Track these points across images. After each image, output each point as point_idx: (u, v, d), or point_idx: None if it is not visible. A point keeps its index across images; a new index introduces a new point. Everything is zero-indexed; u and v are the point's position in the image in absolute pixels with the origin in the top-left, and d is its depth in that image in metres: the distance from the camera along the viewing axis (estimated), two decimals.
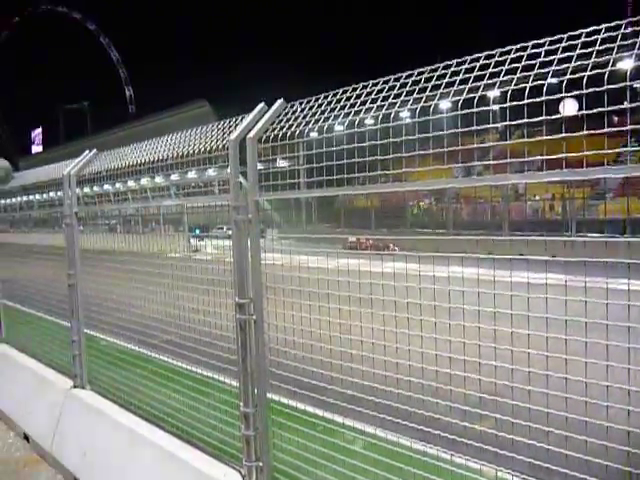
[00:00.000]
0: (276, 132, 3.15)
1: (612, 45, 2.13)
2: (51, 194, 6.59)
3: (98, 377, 5.23)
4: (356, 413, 2.98)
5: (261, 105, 3.31)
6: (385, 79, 2.77)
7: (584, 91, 2.18)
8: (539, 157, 2.43)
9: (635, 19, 2.09)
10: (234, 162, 3.23)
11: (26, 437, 5.69)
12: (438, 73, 2.56)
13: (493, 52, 2.44)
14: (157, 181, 4.84)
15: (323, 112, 3.00)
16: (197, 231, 5.28)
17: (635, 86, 2.33)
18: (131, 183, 5.09)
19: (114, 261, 5.08)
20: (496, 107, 2.54)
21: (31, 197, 7.37)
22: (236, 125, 3.40)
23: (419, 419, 2.69)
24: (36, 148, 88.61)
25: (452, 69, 2.52)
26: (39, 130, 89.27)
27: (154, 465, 3.94)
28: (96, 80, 78.07)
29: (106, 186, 5.28)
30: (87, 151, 5.52)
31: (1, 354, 7.10)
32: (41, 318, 6.64)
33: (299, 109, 3.16)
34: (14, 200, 7.83)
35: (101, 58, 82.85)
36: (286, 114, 3.21)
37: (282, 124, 3.17)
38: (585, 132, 2.25)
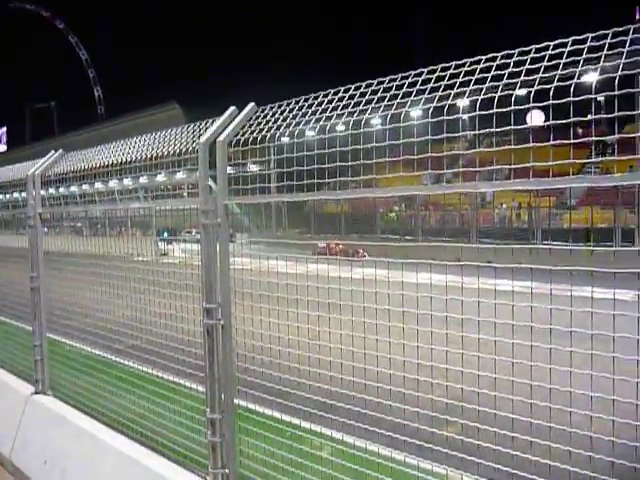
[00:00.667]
0: (247, 136, 3.13)
1: (578, 58, 2.17)
2: (15, 195, 6.44)
3: (61, 383, 5.11)
4: (326, 420, 2.97)
5: (232, 109, 3.29)
6: (356, 85, 2.78)
7: (550, 102, 2.22)
8: (507, 166, 2.47)
9: (598, 33, 2.14)
10: (204, 165, 3.20)
11: None
12: (409, 80, 2.58)
13: (462, 62, 2.47)
14: (125, 183, 4.77)
15: (294, 117, 2.99)
16: (165, 234, 5.22)
17: (599, 99, 2.39)
18: (98, 185, 5.00)
19: (79, 264, 4.99)
20: (465, 116, 2.58)
21: None
22: (206, 128, 3.37)
23: (387, 425, 2.70)
24: (1, 147, 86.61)
25: (423, 77, 2.54)
26: (4, 129, 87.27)
27: (117, 472, 3.86)
28: (64, 80, 76.71)
29: (72, 187, 5.18)
30: (53, 151, 5.41)
31: None
32: (3, 322, 6.46)
33: (270, 113, 3.15)
34: None
35: (69, 57, 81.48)
36: (257, 118, 3.19)
37: (253, 128, 3.15)
38: (551, 143, 2.30)
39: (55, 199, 5.44)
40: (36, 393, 5.21)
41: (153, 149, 3.96)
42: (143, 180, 4.59)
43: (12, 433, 5.06)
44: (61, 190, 5.34)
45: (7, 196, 6.71)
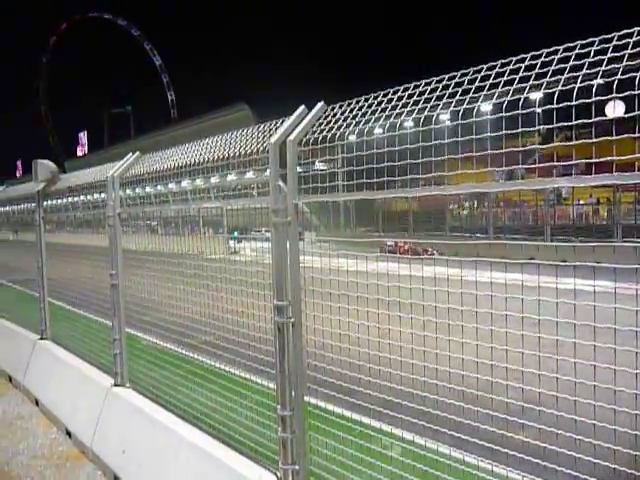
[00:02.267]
0: (316, 135, 3.14)
1: None
2: (95, 196, 6.75)
3: (138, 376, 5.32)
4: (395, 420, 2.94)
5: (302, 108, 3.31)
6: (427, 81, 2.73)
7: (635, 92, 2.10)
8: (585, 160, 2.36)
9: None
10: (274, 165, 3.24)
11: (68, 433, 5.83)
12: (481, 74, 2.51)
13: (538, 52, 2.38)
14: (197, 183, 4.90)
15: (363, 115, 2.98)
16: (236, 233, 5.32)
17: None
18: (172, 185, 5.16)
19: (154, 262, 5.16)
20: (539, 109, 2.48)
21: (76, 199, 7.56)
22: (276, 128, 3.41)
23: (459, 427, 2.64)
24: (81, 151, 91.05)
25: (495, 70, 2.47)
26: (84, 133, 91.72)
27: (191, 464, 3.98)
28: (139, 85, 79.88)
29: (148, 188, 5.38)
30: (130, 154, 5.63)
31: (46, 351, 7.30)
32: (85, 317, 6.79)
33: (339, 112, 3.15)
34: (60, 201, 8.04)
35: (144, 64, 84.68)
36: (326, 117, 3.20)
37: (322, 127, 3.16)
38: (633, 135, 2.18)
39: (132, 199, 5.66)
40: (116, 385, 5.45)
41: (224, 150, 4.05)
42: (214, 180, 4.70)
43: (93, 423, 5.31)
44: (137, 191, 5.56)
45: (87, 197, 7.04)
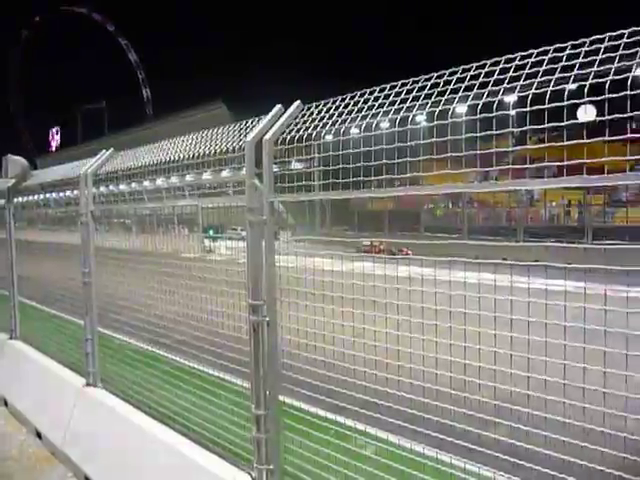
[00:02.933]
0: (292, 134, 3.14)
1: (633, 50, 2.09)
2: (67, 193, 6.64)
3: (111, 376, 5.26)
4: (370, 419, 2.96)
5: (278, 107, 3.30)
6: (403, 82, 2.75)
7: (605, 97, 2.15)
8: (557, 163, 2.40)
9: None
10: (250, 163, 3.23)
11: (38, 434, 5.73)
12: (456, 76, 2.54)
13: (513, 56, 2.42)
14: (172, 181, 4.85)
15: (340, 115, 2.98)
16: (211, 232, 5.29)
17: None
18: (147, 183, 5.11)
19: (128, 260, 5.11)
20: (513, 112, 2.51)
21: (48, 195, 7.44)
22: (252, 127, 3.40)
23: (433, 426, 2.67)
24: (54, 147, 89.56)
25: (471, 72, 2.50)
26: (57, 129, 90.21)
27: (164, 465, 3.95)
28: (114, 81, 78.86)
29: (122, 186, 5.31)
30: (104, 151, 5.55)
31: (16, 351, 7.16)
32: (57, 316, 6.68)
33: (315, 111, 3.15)
34: (31, 198, 7.90)
35: (119, 59, 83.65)
36: (303, 116, 3.20)
37: (299, 126, 3.16)
38: (604, 138, 2.22)
39: (105, 197, 5.59)
40: (87, 385, 5.37)
41: (200, 148, 4.02)
42: (189, 178, 4.66)
43: (64, 423, 5.23)
44: (111, 188, 5.49)
45: (60, 194, 6.93)
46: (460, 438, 2.55)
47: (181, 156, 4.26)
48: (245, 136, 3.35)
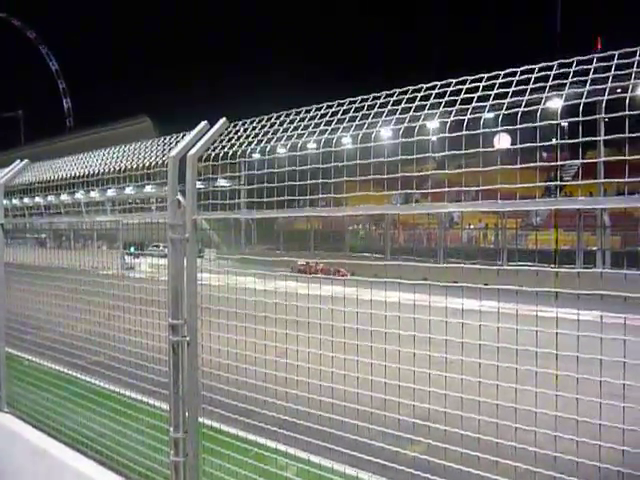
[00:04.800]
0: (217, 151, 3.12)
1: (544, 84, 2.23)
2: None
3: (18, 399, 4.95)
4: (291, 439, 2.94)
5: (203, 123, 3.27)
6: (329, 104, 2.80)
7: (517, 127, 2.28)
8: (474, 188, 2.51)
9: (562, 61, 2.21)
10: (173, 179, 3.17)
11: None
12: (381, 101, 2.61)
13: (435, 83, 2.52)
14: (92, 195, 4.69)
15: (266, 133, 3.00)
16: (132, 249, 5.14)
17: (563, 125, 2.46)
18: (64, 197, 4.91)
19: (42, 277, 4.87)
20: (434, 137, 2.62)
21: None
22: (177, 142, 3.35)
23: (351, 444, 2.68)
24: None
25: (394, 98, 2.58)
26: None
27: None
28: (33, 90, 75.46)
29: (37, 198, 5.08)
30: (18, 161, 5.29)
31: None
32: None
33: (242, 129, 3.15)
34: None
35: (39, 68, 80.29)
36: (228, 133, 3.19)
37: (224, 143, 3.14)
38: (517, 166, 2.35)
39: (19, 210, 5.31)
40: None
41: (122, 162, 3.91)
42: (111, 193, 4.52)
43: None
44: (25, 201, 5.23)
45: None
46: (378, 456, 2.58)
47: (102, 170, 4.13)
48: (169, 151, 3.29)
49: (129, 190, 4.26)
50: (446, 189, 2.50)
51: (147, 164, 3.58)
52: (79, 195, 4.81)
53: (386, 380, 2.62)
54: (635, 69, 2.04)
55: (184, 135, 3.34)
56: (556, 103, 2.29)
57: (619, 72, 2.10)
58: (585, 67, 2.16)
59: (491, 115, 2.42)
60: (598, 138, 2.52)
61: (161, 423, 3.44)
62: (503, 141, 2.59)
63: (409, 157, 2.54)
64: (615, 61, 2.08)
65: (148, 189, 4.00)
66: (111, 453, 3.82)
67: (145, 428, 3.64)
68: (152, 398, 3.59)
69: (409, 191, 2.64)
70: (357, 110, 2.70)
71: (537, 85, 2.25)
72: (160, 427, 3.46)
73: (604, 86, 2.11)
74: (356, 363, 2.72)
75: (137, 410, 3.74)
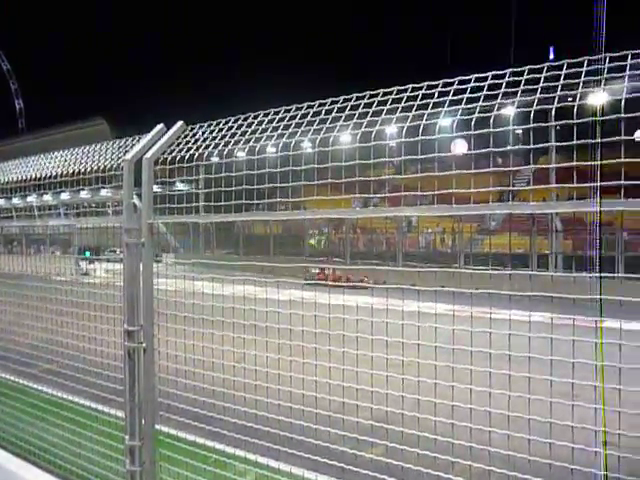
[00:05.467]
0: (174, 154, 3.08)
1: (497, 92, 2.29)
2: None
3: None
4: (250, 444, 2.92)
5: (160, 126, 3.23)
6: (287, 108, 2.81)
7: (472, 132, 2.33)
8: (430, 192, 2.55)
9: (516, 70, 2.27)
10: (128, 183, 3.11)
11: None
12: (339, 105, 2.63)
13: (391, 89, 2.55)
14: (45, 199, 4.57)
15: (224, 137, 2.98)
16: (87, 254, 5.02)
17: (517, 132, 2.53)
18: (15, 200, 4.77)
19: None
20: (393, 142, 2.65)
21: None
22: (132, 145, 3.29)
23: (312, 448, 2.68)
24: None
25: (352, 102, 2.60)
26: None
27: None
28: None
29: None
30: None
31: None
32: None
33: (200, 132, 3.12)
34: None
35: None
36: (186, 137, 3.15)
37: (181, 147, 3.11)
38: (472, 171, 2.40)
39: None
40: None
41: (76, 164, 3.83)
42: (65, 196, 4.41)
43: None
44: None
45: None
46: (337, 459, 2.59)
47: (56, 172, 4.02)
48: (125, 154, 3.23)
49: (84, 194, 4.17)
50: (403, 193, 2.53)
51: (103, 167, 3.51)
52: (31, 199, 4.68)
53: (344, 384, 2.63)
54: (583, 79, 2.12)
55: (140, 138, 3.28)
56: (510, 110, 2.36)
57: (569, 81, 2.17)
58: (536, 76, 2.23)
59: (448, 122, 2.46)
60: (549, 144, 2.61)
61: (116, 432, 3.36)
62: (459, 147, 2.64)
63: (367, 162, 2.57)
64: (564, 71, 2.15)
65: (103, 193, 3.93)
66: (65, 464, 3.71)
67: (100, 437, 3.55)
68: (107, 406, 3.51)
69: (366, 195, 2.67)
70: (315, 114, 2.71)
71: (491, 92, 2.31)
72: (116, 436, 3.38)
73: (554, 95, 2.18)
74: (314, 367, 2.72)
75: (92, 419, 3.65)
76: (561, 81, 2.17)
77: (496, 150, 2.32)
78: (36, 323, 4.22)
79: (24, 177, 4.32)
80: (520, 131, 2.47)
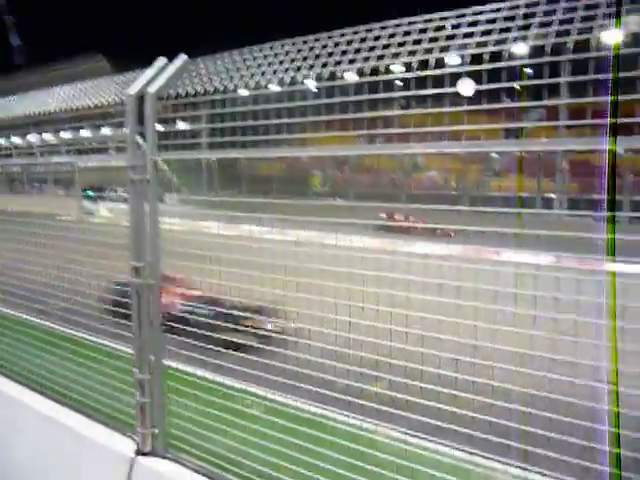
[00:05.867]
0: (178, 90, 3.01)
1: (511, 24, 2.20)
2: None
3: None
4: (256, 378, 2.99)
5: (162, 59, 3.14)
6: (292, 40, 2.72)
7: (483, 67, 2.25)
8: (438, 128, 2.50)
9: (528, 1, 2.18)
10: (132, 119, 3.07)
11: None
12: (346, 38, 2.54)
13: (398, 21, 2.46)
14: (46, 137, 4.52)
15: (228, 71, 2.90)
16: (90, 193, 5.01)
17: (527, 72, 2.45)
18: (15, 138, 4.72)
19: None
20: (400, 75, 2.58)
21: None
22: (134, 79, 3.22)
23: (315, 381, 2.74)
24: None
25: (360, 35, 2.52)
26: None
27: (41, 434, 3.77)
28: None
29: None
30: None
31: None
32: None
33: (203, 67, 3.04)
34: None
35: None
36: (189, 71, 3.07)
37: (185, 81, 3.03)
38: (481, 107, 2.34)
39: None
40: None
41: (77, 101, 3.76)
42: (66, 134, 4.37)
43: None
44: None
45: None
46: (343, 393, 2.65)
47: (57, 109, 3.96)
48: (128, 90, 3.16)
49: (86, 132, 4.11)
50: (411, 129, 2.48)
51: (105, 103, 3.45)
52: (32, 137, 4.63)
53: (350, 319, 2.66)
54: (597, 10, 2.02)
55: (142, 73, 3.20)
56: (521, 48, 2.27)
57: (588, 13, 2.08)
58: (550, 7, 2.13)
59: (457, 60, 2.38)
60: (560, 79, 2.52)
61: (127, 366, 3.45)
62: (468, 85, 2.57)
63: (369, 97, 2.50)
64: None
65: (105, 130, 3.88)
66: (77, 396, 3.82)
67: (111, 371, 3.65)
68: (118, 342, 3.59)
69: (374, 131, 2.62)
70: (321, 48, 2.62)
71: (503, 26, 2.21)
72: (126, 370, 3.47)
73: (568, 27, 2.09)
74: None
75: (103, 354, 3.74)
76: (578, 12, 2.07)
77: (507, 85, 2.26)
78: (43, 260, 4.26)
79: (24, 114, 4.25)
80: (531, 70, 2.38)
